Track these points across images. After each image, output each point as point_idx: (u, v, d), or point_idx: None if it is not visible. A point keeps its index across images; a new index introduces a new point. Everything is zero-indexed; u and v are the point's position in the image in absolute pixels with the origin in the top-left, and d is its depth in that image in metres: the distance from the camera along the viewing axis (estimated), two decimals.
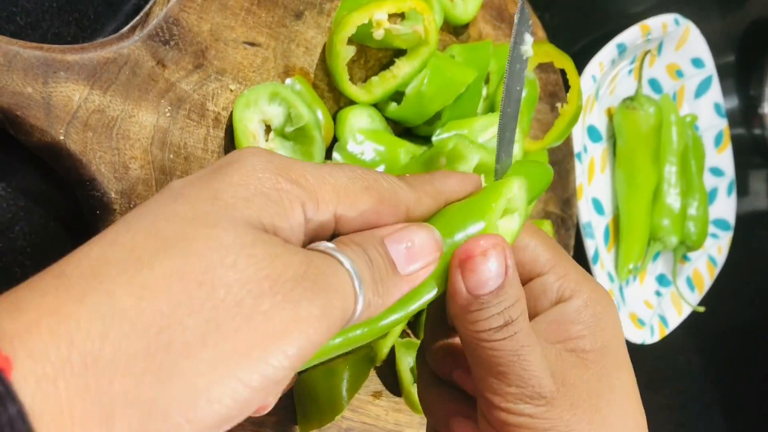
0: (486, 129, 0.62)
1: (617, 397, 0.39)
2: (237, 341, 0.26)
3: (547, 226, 0.69)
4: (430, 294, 0.38)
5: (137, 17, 0.49)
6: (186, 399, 0.25)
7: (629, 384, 0.40)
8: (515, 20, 0.46)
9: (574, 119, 0.63)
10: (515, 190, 0.41)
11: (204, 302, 0.26)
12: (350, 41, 0.59)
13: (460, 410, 0.42)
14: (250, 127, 0.53)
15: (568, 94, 0.62)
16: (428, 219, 0.39)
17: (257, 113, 0.54)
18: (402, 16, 0.61)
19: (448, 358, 0.42)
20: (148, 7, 0.50)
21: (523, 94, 0.67)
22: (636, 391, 0.41)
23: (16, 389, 0.23)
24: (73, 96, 0.45)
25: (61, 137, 0.45)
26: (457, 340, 0.42)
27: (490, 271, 0.36)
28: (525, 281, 0.42)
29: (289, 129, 0.55)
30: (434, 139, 0.60)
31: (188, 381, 0.25)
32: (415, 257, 0.35)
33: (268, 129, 0.55)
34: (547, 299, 0.42)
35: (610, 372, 0.39)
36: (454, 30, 0.69)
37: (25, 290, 0.26)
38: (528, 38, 0.46)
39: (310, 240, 0.33)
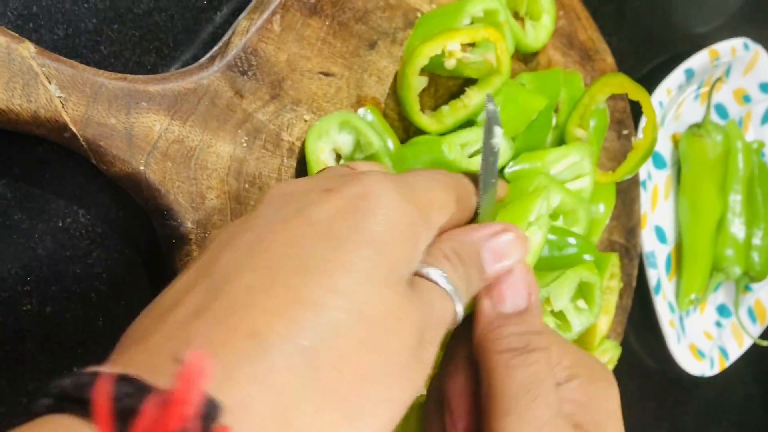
0: (559, 161, 0.61)
1: None
2: None
3: (615, 259, 0.67)
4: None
5: (216, 47, 0.50)
6: None
7: None
8: (484, 114, 0.48)
9: (648, 153, 0.61)
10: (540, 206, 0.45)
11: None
12: (421, 71, 0.58)
13: None
14: (321, 157, 0.53)
15: (642, 128, 0.61)
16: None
17: (328, 143, 0.54)
18: (472, 44, 0.60)
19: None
20: (227, 36, 0.50)
21: (592, 125, 0.66)
22: None
23: None
24: (154, 126, 0.45)
25: (142, 167, 0.45)
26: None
27: (514, 285, 0.38)
28: None
29: (359, 156, 0.55)
30: (507, 171, 0.59)
31: None
32: (501, 256, 0.37)
33: (338, 157, 0.55)
34: None
35: None
36: (523, 57, 0.68)
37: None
38: (498, 131, 0.48)
39: None
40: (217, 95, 0.48)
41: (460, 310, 0.34)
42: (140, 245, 0.50)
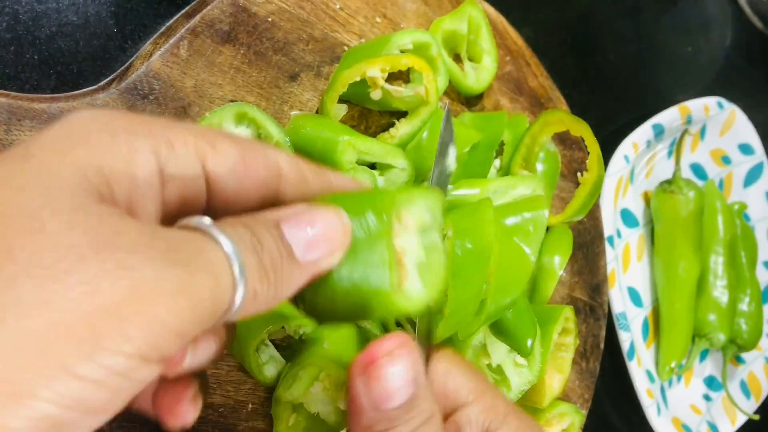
0: (499, 193, 0.57)
1: None
2: (50, 317, 0.20)
3: (568, 312, 0.62)
4: None
5: (118, 71, 0.48)
6: None
7: None
8: (441, 129, 0.44)
9: (596, 188, 0.58)
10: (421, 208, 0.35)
11: None
12: (350, 105, 0.56)
13: None
14: None
15: (587, 162, 0.58)
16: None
17: None
18: (406, 80, 0.58)
19: None
20: (129, 61, 0.48)
21: (541, 167, 0.63)
22: None
23: None
24: None
25: None
26: None
27: (398, 377, 0.32)
28: (447, 414, 0.38)
29: None
30: (447, 197, 0.55)
31: None
32: (317, 243, 0.29)
33: None
34: None
35: None
36: (467, 101, 0.65)
37: None
38: (452, 150, 0.43)
39: (175, 217, 0.28)
40: None
41: (240, 295, 0.26)
42: None
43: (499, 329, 0.52)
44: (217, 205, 0.30)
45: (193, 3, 0.51)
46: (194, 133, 0.28)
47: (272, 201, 0.31)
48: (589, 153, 0.56)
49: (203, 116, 0.49)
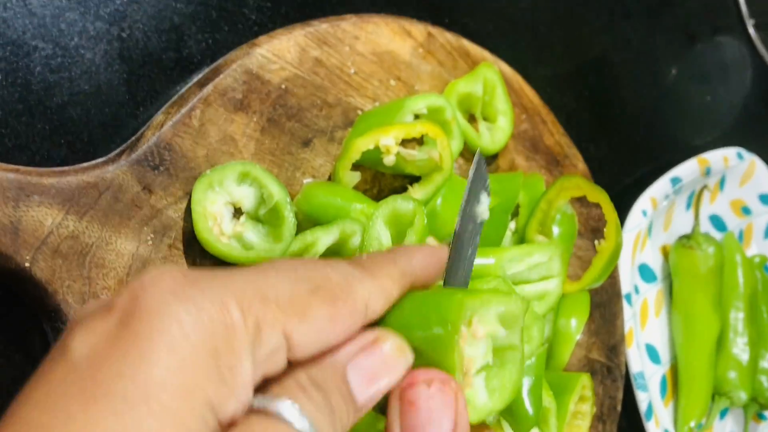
0: (515, 261, 0.56)
1: None
2: None
3: (585, 380, 0.60)
4: None
5: (128, 142, 0.47)
6: None
7: None
8: (469, 176, 0.42)
9: (614, 257, 0.56)
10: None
11: None
12: (362, 168, 0.55)
13: None
14: (210, 209, 0.48)
15: (605, 230, 0.56)
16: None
17: (222, 195, 0.49)
18: (420, 142, 0.57)
19: None
20: (140, 132, 0.48)
21: (557, 230, 0.61)
22: None
23: None
24: (45, 221, 0.42)
25: (27, 264, 0.42)
26: None
27: (434, 409, 0.30)
28: None
29: (263, 211, 0.50)
30: None
31: None
32: (375, 378, 0.30)
33: (237, 212, 0.50)
34: None
35: None
36: None
37: None
38: (484, 198, 0.42)
39: (261, 375, 0.28)
40: (121, 190, 0.45)
41: None
42: (31, 348, 0.45)
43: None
44: None
45: (205, 71, 0.51)
46: (283, 308, 0.28)
47: None
48: (607, 220, 0.55)
49: (203, 174, 0.48)
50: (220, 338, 0.25)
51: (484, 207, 0.42)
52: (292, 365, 0.29)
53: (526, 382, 0.50)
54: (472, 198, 0.42)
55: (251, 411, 0.27)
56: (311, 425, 0.27)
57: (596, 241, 0.64)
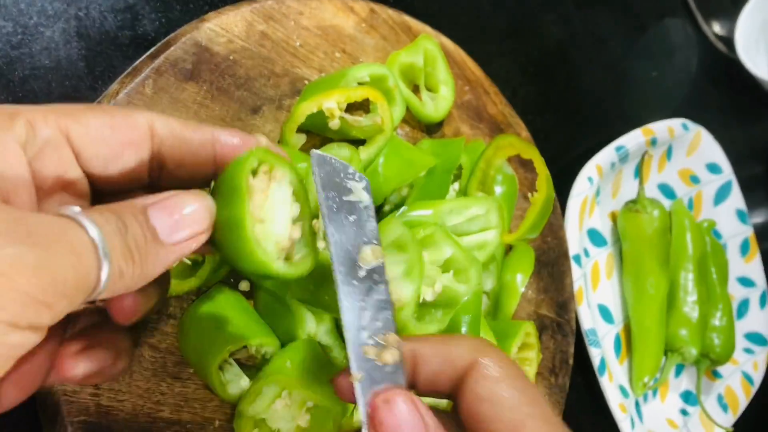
0: (453, 213, 0.60)
1: None
2: None
3: (529, 327, 0.64)
4: None
5: None
6: None
7: None
8: (314, 178, 0.38)
9: (546, 207, 0.61)
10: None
11: None
12: (311, 135, 0.59)
13: None
14: None
15: (537, 182, 0.61)
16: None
17: None
18: (367, 111, 0.61)
19: None
20: (97, 101, 0.52)
21: (500, 190, 0.66)
22: None
23: None
24: None
25: None
26: None
27: (401, 414, 0.34)
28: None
29: None
30: (398, 215, 0.58)
31: None
32: (181, 225, 0.32)
33: None
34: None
35: None
36: (428, 128, 0.69)
37: None
38: (356, 184, 0.39)
39: (52, 180, 0.31)
40: None
41: (105, 274, 0.28)
42: None
43: None
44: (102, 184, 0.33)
45: (157, 45, 0.55)
46: (57, 112, 0.32)
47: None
48: (538, 173, 0.59)
49: None
50: None
51: (360, 193, 0.39)
52: None
53: (465, 320, 0.54)
54: (329, 195, 0.38)
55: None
56: (99, 233, 0.28)
57: (529, 194, 0.68)
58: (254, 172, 0.36)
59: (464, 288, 0.54)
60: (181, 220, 0.32)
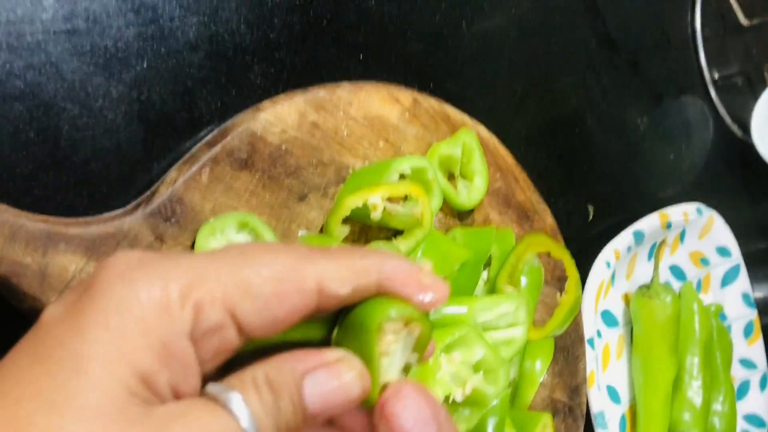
0: (485, 310, 0.62)
1: None
2: None
3: (546, 419, 0.66)
4: None
5: (144, 195, 0.53)
6: None
7: None
8: None
9: (574, 308, 0.63)
10: None
11: None
12: (351, 221, 0.61)
13: None
14: None
15: (566, 284, 0.63)
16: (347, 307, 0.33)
17: (223, 242, 0.54)
18: (405, 198, 0.63)
19: None
20: (155, 186, 0.54)
21: (525, 281, 0.68)
22: None
23: None
24: (69, 266, 0.48)
25: None
26: None
27: (411, 408, 0.31)
28: None
29: None
30: (432, 314, 0.60)
31: None
32: (332, 400, 0.31)
33: None
34: None
35: None
36: (459, 215, 0.71)
37: None
38: None
39: (212, 355, 0.30)
40: (136, 239, 0.51)
41: None
42: None
43: None
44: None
45: (214, 132, 0.57)
46: (223, 283, 0.29)
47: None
48: (568, 276, 0.62)
49: (207, 221, 0.54)
50: (153, 316, 0.28)
51: None
52: (257, 360, 0.31)
53: (491, 422, 0.56)
54: None
55: (204, 395, 0.29)
56: (254, 423, 0.28)
57: (558, 294, 0.70)
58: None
59: (492, 390, 0.56)
60: (333, 392, 0.31)
